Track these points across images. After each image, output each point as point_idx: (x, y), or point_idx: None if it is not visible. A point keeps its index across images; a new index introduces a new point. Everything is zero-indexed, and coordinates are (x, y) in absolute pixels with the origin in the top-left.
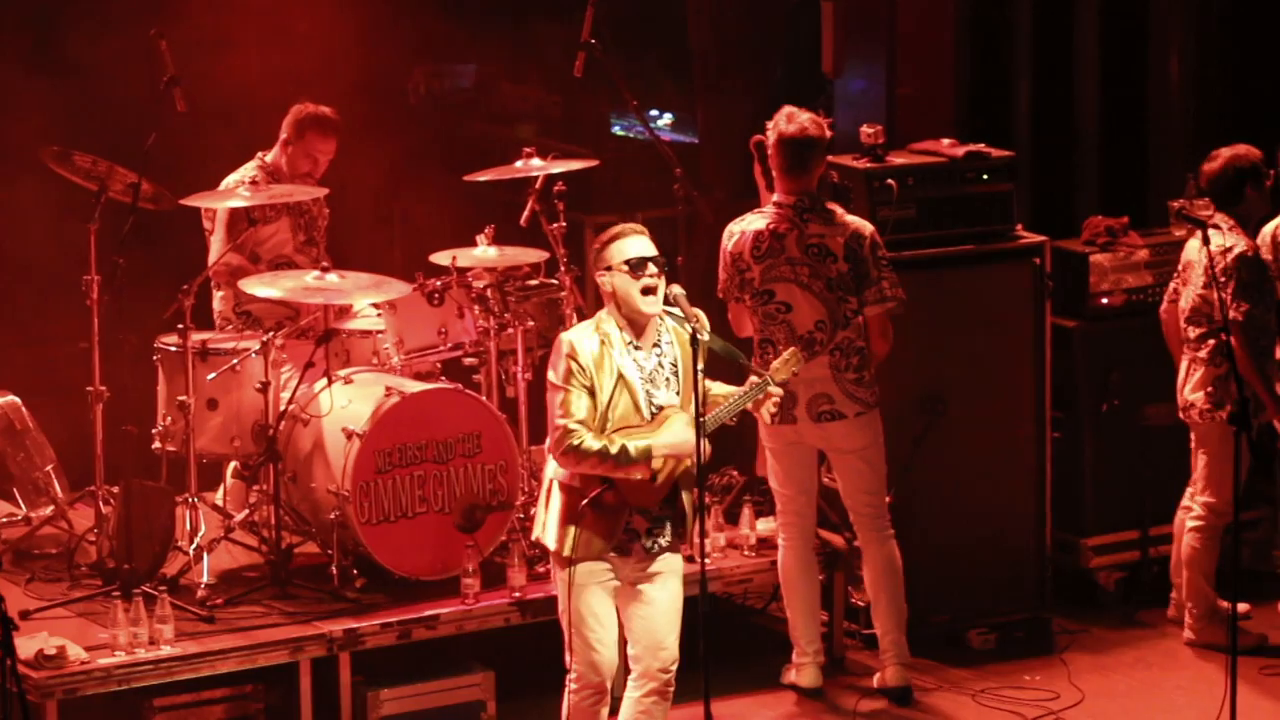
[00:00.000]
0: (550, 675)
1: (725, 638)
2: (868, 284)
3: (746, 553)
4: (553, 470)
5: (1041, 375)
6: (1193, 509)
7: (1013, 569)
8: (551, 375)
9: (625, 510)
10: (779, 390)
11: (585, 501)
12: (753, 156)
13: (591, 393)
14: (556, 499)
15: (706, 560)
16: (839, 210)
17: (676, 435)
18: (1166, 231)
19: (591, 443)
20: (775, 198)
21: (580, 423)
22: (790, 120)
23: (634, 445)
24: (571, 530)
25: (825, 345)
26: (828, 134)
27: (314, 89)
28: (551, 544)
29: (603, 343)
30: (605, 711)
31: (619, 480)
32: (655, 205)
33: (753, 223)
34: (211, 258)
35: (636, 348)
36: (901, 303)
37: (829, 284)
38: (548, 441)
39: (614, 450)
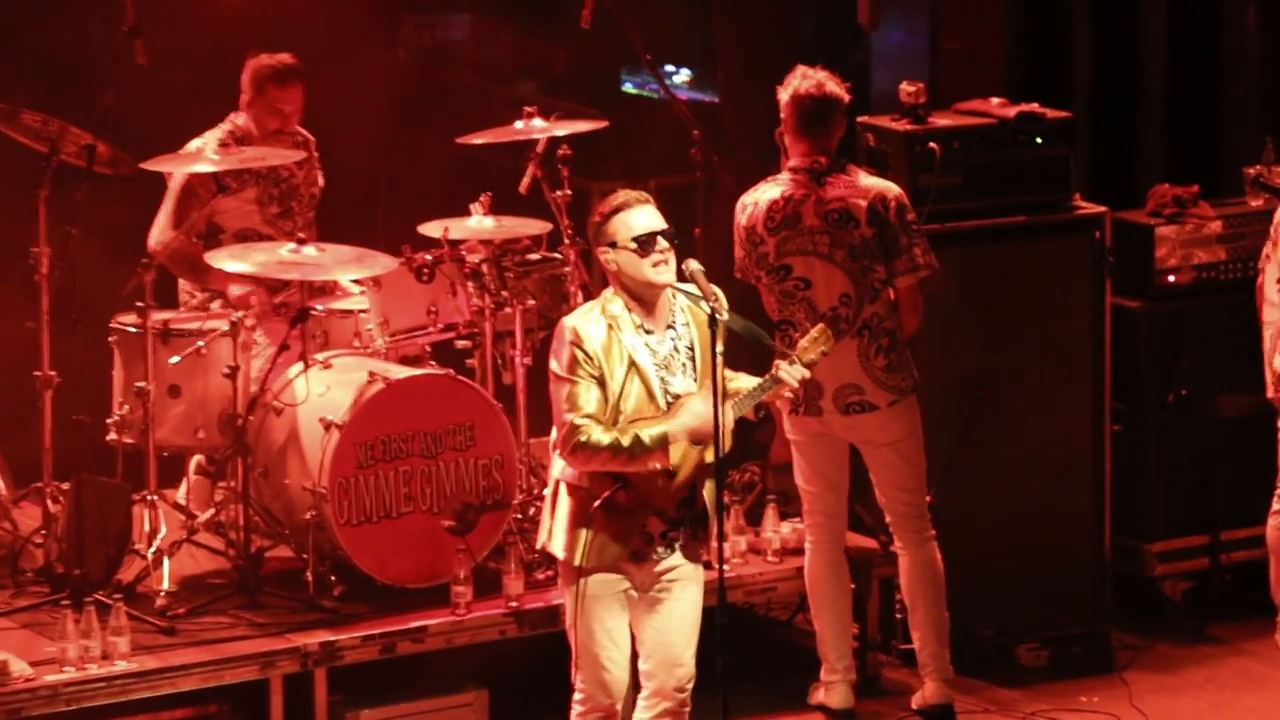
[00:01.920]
0: (550, 694)
1: (746, 653)
2: (896, 252)
3: (770, 558)
4: (559, 470)
5: (1100, 362)
6: None
7: (1067, 578)
8: (554, 365)
9: (642, 512)
10: (806, 373)
11: (597, 504)
12: (779, 119)
13: (601, 383)
14: (564, 502)
15: (726, 567)
16: (861, 172)
17: (694, 413)
18: (1241, 201)
19: (601, 436)
20: (790, 162)
21: (589, 417)
22: (805, 77)
23: (647, 433)
24: (582, 536)
25: (851, 323)
26: (846, 96)
27: (292, 41)
28: (560, 552)
29: (610, 327)
30: None
31: (635, 477)
32: (671, 171)
33: (766, 192)
34: (153, 235)
35: (648, 330)
36: (936, 271)
37: (852, 252)
38: (551, 438)
39: (626, 441)
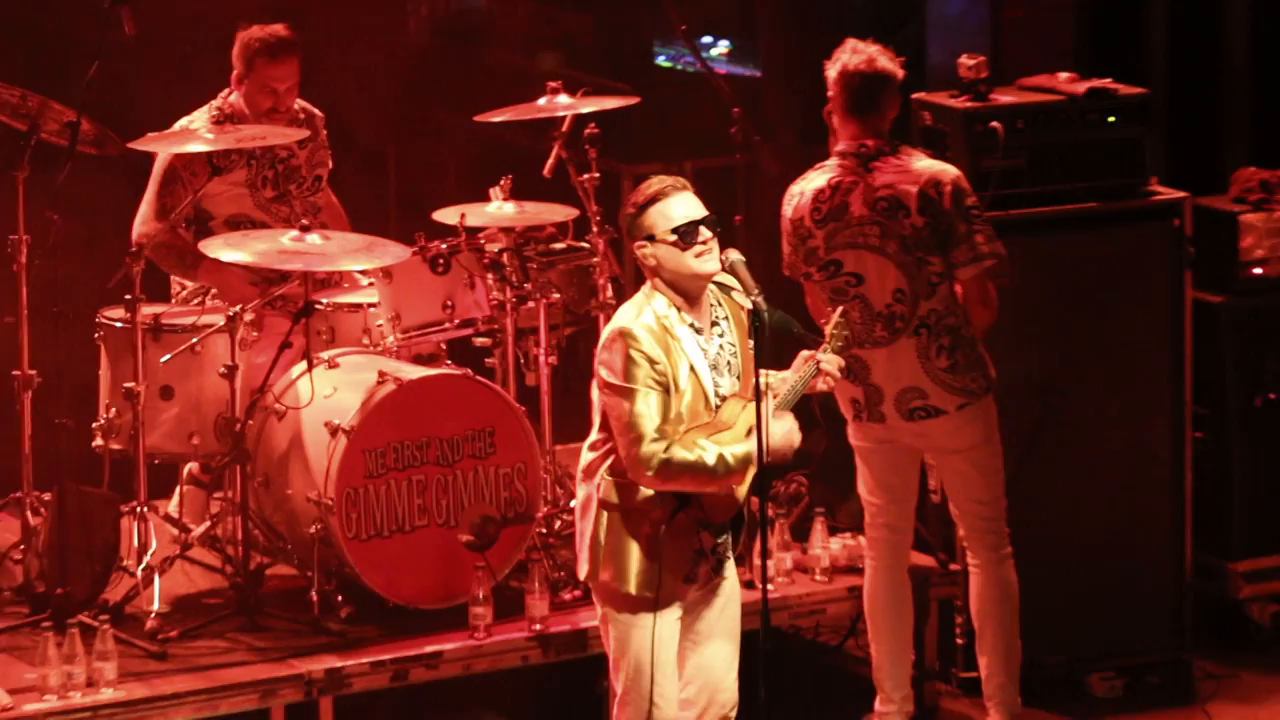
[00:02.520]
0: None
1: (792, 681)
2: (955, 241)
3: (818, 577)
4: (596, 488)
5: (1180, 362)
6: None
7: (1144, 600)
8: (607, 374)
9: (698, 530)
10: (839, 360)
11: (664, 527)
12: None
13: (665, 389)
14: (608, 527)
15: (769, 587)
16: (914, 154)
17: (776, 434)
18: None
19: (683, 454)
20: (838, 146)
21: (659, 430)
22: (855, 52)
23: (731, 452)
24: (634, 562)
25: (908, 321)
26: (900, 72)
27: (293, 9)
28: (610, 582)
29: (663, 328)
30: None
31: (706, 497)
32: (708, 153)
33: (813, 181)
34: (136, 226)
35: (698, 330)
36: (1002, 260)
37: (904, 244)
38: (584, 454)
39: (711, 460)
